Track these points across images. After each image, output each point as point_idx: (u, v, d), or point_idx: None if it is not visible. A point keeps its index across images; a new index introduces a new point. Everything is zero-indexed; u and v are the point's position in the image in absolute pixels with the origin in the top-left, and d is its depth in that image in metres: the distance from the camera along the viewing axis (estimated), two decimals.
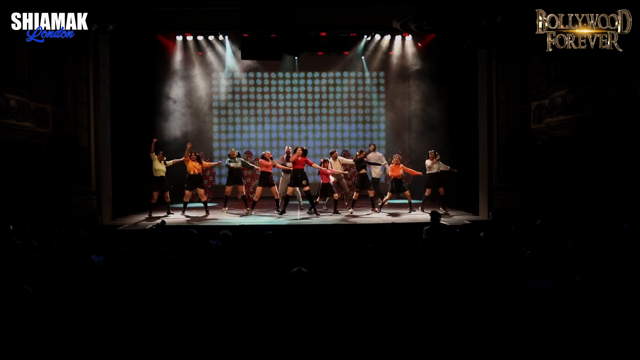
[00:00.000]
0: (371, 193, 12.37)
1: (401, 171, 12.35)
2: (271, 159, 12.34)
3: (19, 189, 10.77)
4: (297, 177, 11.77)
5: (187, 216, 11.98)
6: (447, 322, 3.76)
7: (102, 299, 4.26)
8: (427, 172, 12.43)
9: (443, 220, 11.02)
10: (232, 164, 12.24)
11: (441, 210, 11.78)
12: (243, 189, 12.57)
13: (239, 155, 12.55)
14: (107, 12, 10.30)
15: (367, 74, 16.26)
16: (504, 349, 3.51)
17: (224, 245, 6.35)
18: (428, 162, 12.43)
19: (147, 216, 11.97)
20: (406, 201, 12.50)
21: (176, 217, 11.90)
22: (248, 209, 12.35)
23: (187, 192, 12.20)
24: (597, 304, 3.86)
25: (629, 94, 9.51)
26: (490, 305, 4.08)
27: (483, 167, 12.25)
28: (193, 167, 12.04)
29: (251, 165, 12.89)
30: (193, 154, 12.18)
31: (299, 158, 11.82)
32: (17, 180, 10.76)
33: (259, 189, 12.28)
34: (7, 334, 3.34)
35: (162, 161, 12.01)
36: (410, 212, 12.23)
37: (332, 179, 12.58)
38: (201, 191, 12.21)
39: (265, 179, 12.10)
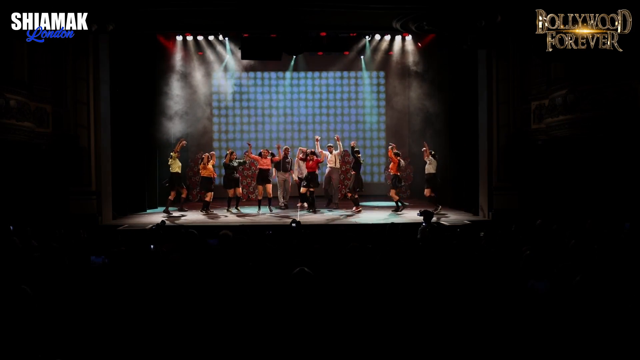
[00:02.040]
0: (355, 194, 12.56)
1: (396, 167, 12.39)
2: (272, 155, 12.73)
3: (19, 189, 10.76)
4: (306, 178, 12.37)
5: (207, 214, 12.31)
6: (447, 322, 3.76)
7: (102, 299, 4.26)
8: (425, 173, 12.52)
9: (443, 220, 11.08)
10: (225, 159, 12.50)
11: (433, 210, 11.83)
12: (240, 190, 12.68)
13: (236, 158, 12.67)
14: (107, 12, 10.28)
15: (366, 73, 16.25)
16: (504, 348, 3.51)
17: (223, 246, 6.33)
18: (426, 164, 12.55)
19: (180, 213, 12.35)
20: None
21: (190, 217, 12.02)
22: (230, 209, 12.54)
23: (209, 193, 12.44)
24: (597, 304, 3.86)
25: (629, 94, 9.51)
26: (490, 306, 4.08)
27: (483, 167, 12.25)
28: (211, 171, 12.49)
29: (244, 160, 13.05)
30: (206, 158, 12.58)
31: (310, 163, 12.35)
32: (17, 181, 10.76)
33: (259, 187, 12.51)
34: (7, 334, 3.34)
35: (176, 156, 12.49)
36: (399, 211, 12.25)
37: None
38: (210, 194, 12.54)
39: (264, 177, 12.46)
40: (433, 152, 12.56)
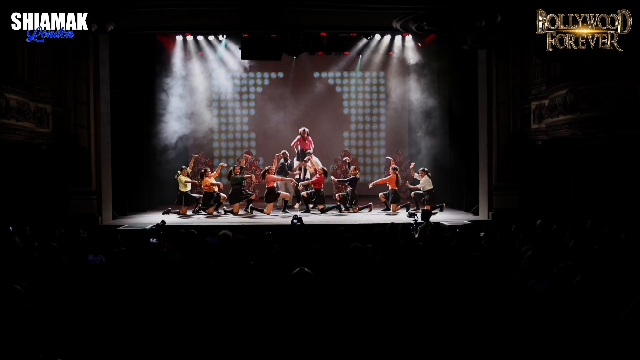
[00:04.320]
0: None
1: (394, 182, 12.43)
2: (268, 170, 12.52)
3: (19, 189, 10.77)
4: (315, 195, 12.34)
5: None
6: (447, 323, 3.76)
7: (101, 299, 4.26)
8: (423, 190, 12.52)
9: (443, 220, 11.07)
10: (235, 171, 12.29)
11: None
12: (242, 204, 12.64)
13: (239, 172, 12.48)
14: (107, 12, 10.28)
15: (366, 73, 16.24)
16: (504, 349, 3.51)
17: (223, 245, 6.32)
18: (420, 180, 12.58)
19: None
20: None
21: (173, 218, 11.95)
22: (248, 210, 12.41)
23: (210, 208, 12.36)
24: (598, 304, 3.86)
25: (629, 94, 9.50)
26: (490, 306, 4.08)
27: (483, 167, 12.26)
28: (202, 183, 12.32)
29: (246, 176, 12.81)
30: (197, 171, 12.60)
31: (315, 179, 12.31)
32: (17, 181, 10.76)
33: (269, 205, 12.37)
34: (6, 334, 3.34)
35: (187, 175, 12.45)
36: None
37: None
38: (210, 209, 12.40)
39: (272, 194, 12.30)
40: (426, 170, 12.66)
